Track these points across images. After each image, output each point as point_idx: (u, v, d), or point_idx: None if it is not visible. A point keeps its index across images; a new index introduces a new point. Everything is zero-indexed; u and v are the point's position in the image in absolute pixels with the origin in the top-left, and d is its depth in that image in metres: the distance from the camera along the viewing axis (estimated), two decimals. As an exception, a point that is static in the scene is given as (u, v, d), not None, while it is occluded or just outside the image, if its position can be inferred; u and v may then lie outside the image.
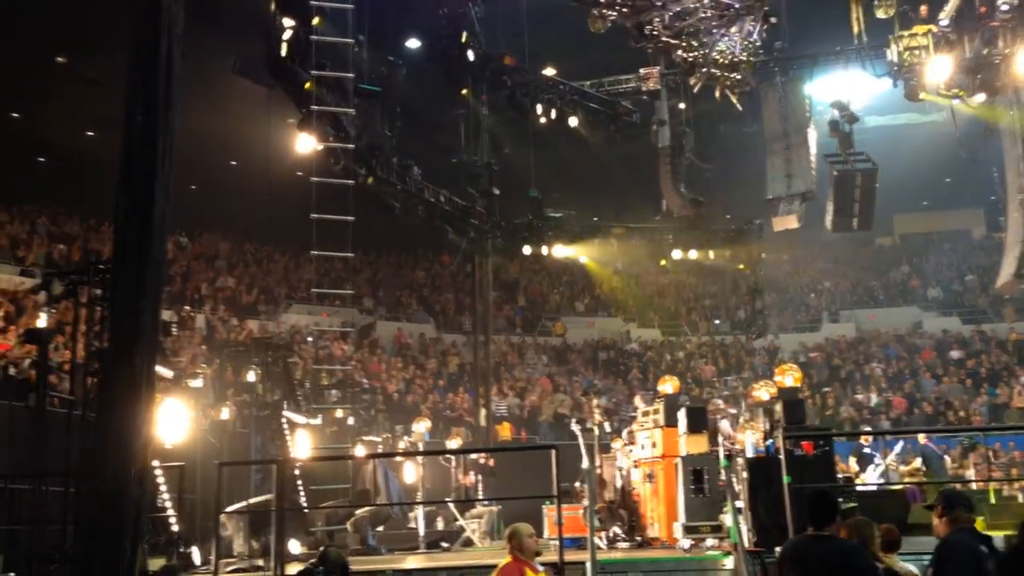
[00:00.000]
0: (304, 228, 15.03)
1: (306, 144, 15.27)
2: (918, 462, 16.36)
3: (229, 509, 10.76)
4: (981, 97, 19.28)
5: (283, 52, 14.17)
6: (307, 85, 14.69)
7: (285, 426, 13.57)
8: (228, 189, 24.83)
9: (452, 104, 20.54)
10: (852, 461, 16.23)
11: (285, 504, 9.56)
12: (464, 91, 20.23)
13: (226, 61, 17.92)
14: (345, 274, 20.11)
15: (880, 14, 18.85)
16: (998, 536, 6.72)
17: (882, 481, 15.51)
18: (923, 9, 18.64)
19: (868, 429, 23.21)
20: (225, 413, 13.15)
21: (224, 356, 15.43)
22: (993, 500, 14.68)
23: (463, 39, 19.60)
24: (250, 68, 17.08)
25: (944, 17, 18.13)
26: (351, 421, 17.16)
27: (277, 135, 18.30)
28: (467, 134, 20.37)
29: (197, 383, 12.99)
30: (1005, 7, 17.37)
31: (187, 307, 23.85)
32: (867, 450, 16.49)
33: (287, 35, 14.24)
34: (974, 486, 15.96)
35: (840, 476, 12.56)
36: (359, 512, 13.26)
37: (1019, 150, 19.74)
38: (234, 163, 24.88)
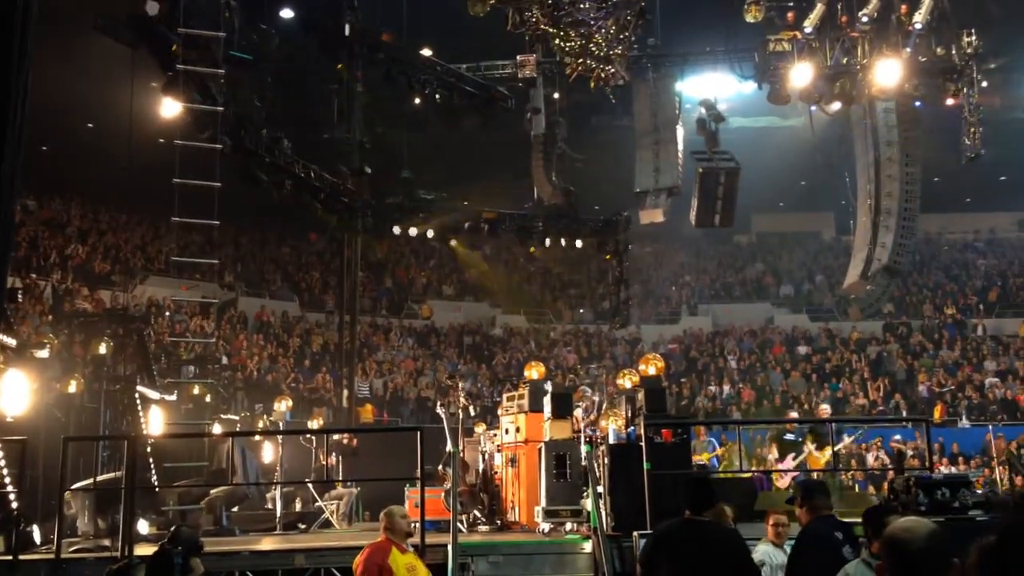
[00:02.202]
0: (163, 197, 14.36)
1: (171, 109, 14.60)
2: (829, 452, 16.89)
3: (74, 486, 10.27)
4: (837, 105, 20.24)
5: (149, 9, 13.50)
6: (174, 47, 14.05)
7: (138, 401, 13.03)
8: (82, 153, 23.58)
9: (326, 78, 20.06)
10: (774, 448, 16.63)
11: (135, 482, 9.20)
12: (339, 65, 19.80)
13: (86, 15, 16.92)
14: (208, 247, 19.33)
15: (749, 18, 19.51)
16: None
17: (797, 471, 15.88)
18: (790, 15, 19.40)
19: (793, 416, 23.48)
20: (73, 386, 12.48)
21: (73, 327, 14.64)
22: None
23: (340, 12, 19.21)
24: (113, 25, 16.14)
25: (808, 25, 18.90)
26: (208, 398, 16.61)
27: (139, 99, 17.39)
28: (340, 110, 19.94)
29: (43, 354, 12.27)
30: (865, 18, 18.26)
31: (33, 275, 22.63)
32: (789, 436, 16.82)
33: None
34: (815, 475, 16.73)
35: (695, 464, 12.90)
36: (214, 492, 12.87)
37: (870, 157, 20.82)
38: (90, 126, 23.64)
